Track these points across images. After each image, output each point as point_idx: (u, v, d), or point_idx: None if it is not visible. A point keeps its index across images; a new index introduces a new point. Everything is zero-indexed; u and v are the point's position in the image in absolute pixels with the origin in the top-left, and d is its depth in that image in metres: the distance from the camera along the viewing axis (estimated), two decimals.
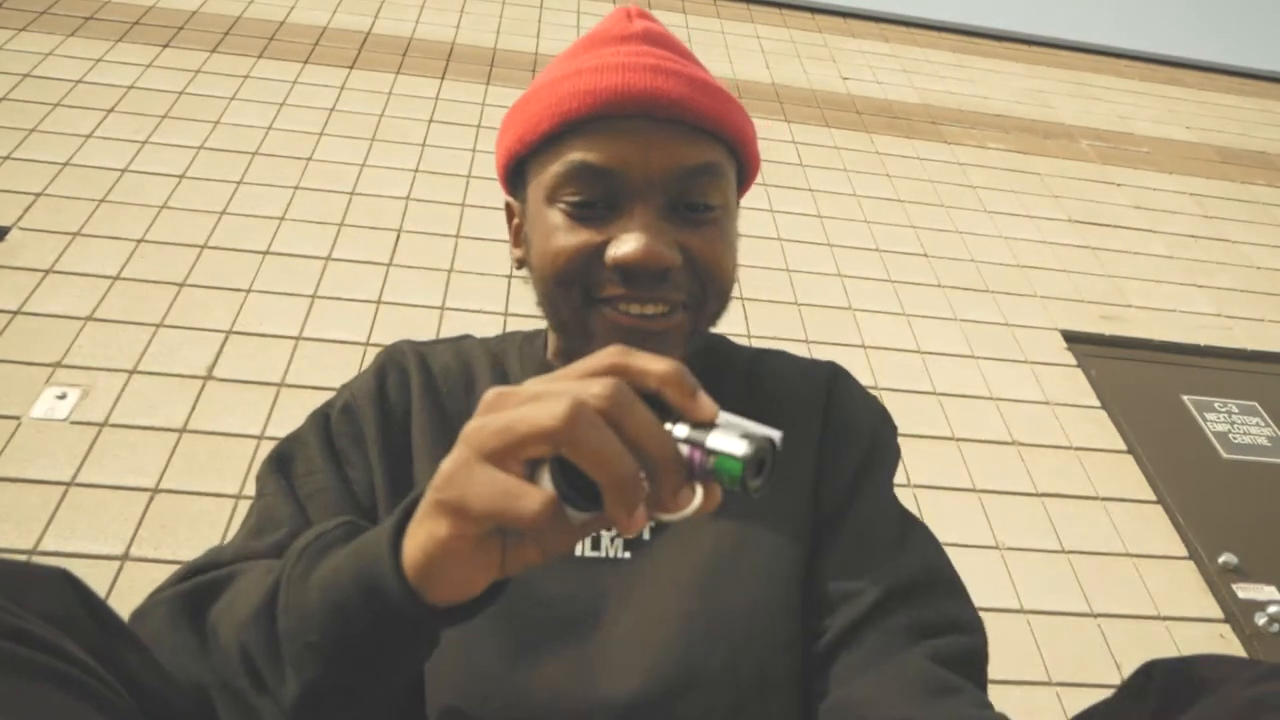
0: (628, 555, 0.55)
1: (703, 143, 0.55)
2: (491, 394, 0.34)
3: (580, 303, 0.55)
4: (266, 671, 0.39)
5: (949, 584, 0.57)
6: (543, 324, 0.66)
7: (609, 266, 0.53)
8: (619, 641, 0.52)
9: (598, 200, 0.53)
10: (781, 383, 0.65)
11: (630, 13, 0.62)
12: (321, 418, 0.60)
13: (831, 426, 0.62)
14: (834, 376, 0.66)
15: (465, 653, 0.52)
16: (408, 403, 0.61)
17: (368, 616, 0.36)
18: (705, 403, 0.33)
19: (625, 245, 0.52)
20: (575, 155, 0.53)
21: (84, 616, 0.36)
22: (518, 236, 0.62)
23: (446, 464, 0.33)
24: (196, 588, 0.45)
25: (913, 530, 0.59)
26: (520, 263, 0.62)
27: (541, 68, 3.49)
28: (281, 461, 0.58)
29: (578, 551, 0.55)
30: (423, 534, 0.34)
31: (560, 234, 0.54)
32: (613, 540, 0.56)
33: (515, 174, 0.61)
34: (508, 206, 0.64)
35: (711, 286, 0.56)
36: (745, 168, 0.62)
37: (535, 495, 0.31)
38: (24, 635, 0.32)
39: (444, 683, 0.52)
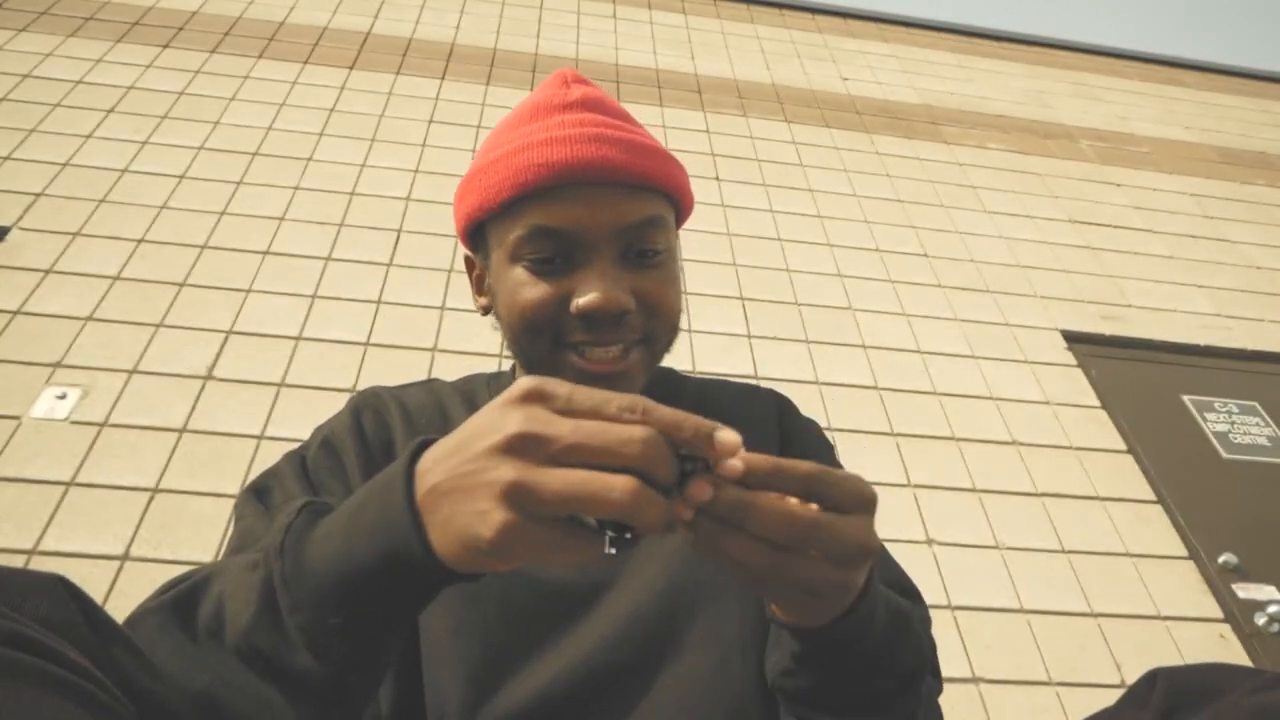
0: (613, 551, 0.59)
1: (645, 198, 0.62)
2: (514, 434, 0.34)
3: (549, 348, 0.61)
4: (286, 663, 0.40)
5: (907, 592, 0.64)
6: (503, 367, 0.74)
7: (573, 315, 0.59)
8: (613, 615, 0.58)
9: (556, 257, 0.59)
10: (734, 405, 0.74)
11: (567, 78, 0.67)
12: (297, 457, 0.64)
13: (788, 445, 0.70)
14: (782, 402, 0.75)
15: (475, 643, 0.56)
16: (388, 435, 0.65)
17: (393, 589, 0.39)
18: (721, 445, 0.36)
19: (587, 295, 0.58)
20: (534, 220, 0.59)
21: (80, 622, 0.36)
22: (480, 285, 0.69)
23: (496, 519, 0.34)
24: (179, 595, 0.45)
25: None
26: (485, 310, 0.68)
27: (541, 68, 3.50)
28: (259, 491, 0.61)
29: None
30: (466, 556, 0.36)
31: (525, 289, 0.60)
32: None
33: (476, 234, 0.67)
34: (468, 260, 0.71)
35: (662, 323, 0.62)
36: (681, 211, 0.69)
37: (589, 548, 0.35)
38: (21, 640, 0.32)
39: (452, 669, 0.55)
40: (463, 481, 0.35)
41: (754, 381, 1.87)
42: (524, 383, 0.36)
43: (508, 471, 0.34)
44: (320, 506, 0.44)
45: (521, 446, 0.34)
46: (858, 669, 0.46)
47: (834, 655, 0.45)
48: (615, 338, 0.59)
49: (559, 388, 0.35)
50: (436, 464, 0.37)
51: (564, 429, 0.34)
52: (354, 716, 0.44)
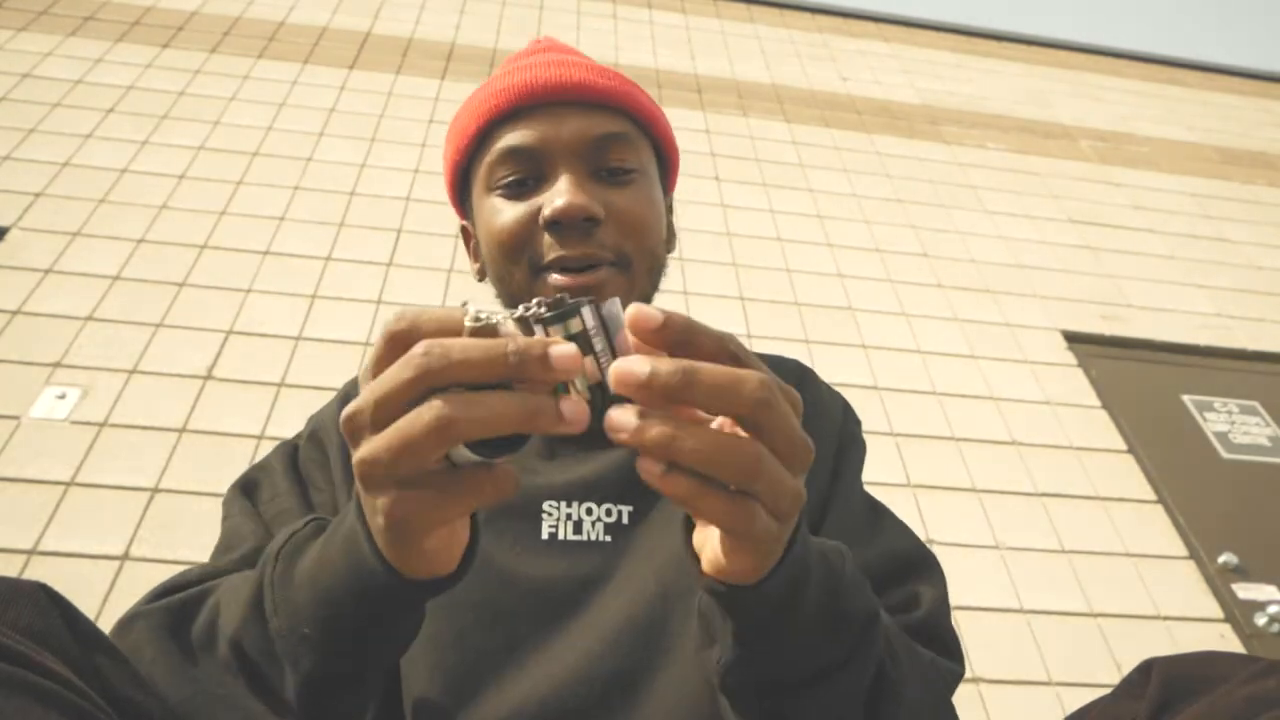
0: (609, 539, 0.57)
1: (609, 115, 0.63)
2: (359, 474, 0.32)
3: (528, 275, 0.60)
4: (267, 671, 0.40)
5: (914, 564, 0.61)
6: None
7: (543, 228, 0.58)
8: (601, 621, 0.54)
9: (527, 178, 0.60)
10: None
11: (539, 39, 0.71)
12: (290, 448, 0.64)
13: (806, 425, 0.65)
14: (803, 376, 0.70)
15: (450, 650, 0.53)
16: None
17: (356, 599, 0.37)
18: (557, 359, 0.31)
19: (553, 201, 0.57)
20: (501, 144, 0.61)
21: (62, 630, 0.36)
22: (476, 253, 0.68)
23: (381, 513, 0.33)
24: (172, 604, 0.45)
25: (881, 518, 0.64)
26: (480, 274, 0.68)
27: None
28: (247, 487, 0.61)
29: (560, 535, 0.57)
30: (413, 563, 0.36)
31: (500, 214, 0.61)
32: (594, 525, 0.58)
33: (462, 189, 0.68)
34: (463, 230, 0.70)
35: (637, 242, 0.60)
36: (661, 149, 0.68)
37: (486, 481, 0.32)
38: (2, 650, 0.32)
39: (426, 680, 0.53)
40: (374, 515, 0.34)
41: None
42: (342, 417, 0.33)
43: (383, 506, 0.32)
44: (325, 523, 0.43)
45: (368, 477, 0.32)
46: (804, 631, 0.40)
47: (773, 621, 0.39)
48: (586, 250, 0.58)
49: (354, 407, 0.32)
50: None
51: (376, 448, 0.31)
52: None
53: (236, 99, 2.91)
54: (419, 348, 0.30)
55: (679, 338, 0.32)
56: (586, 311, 0.32)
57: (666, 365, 0.30)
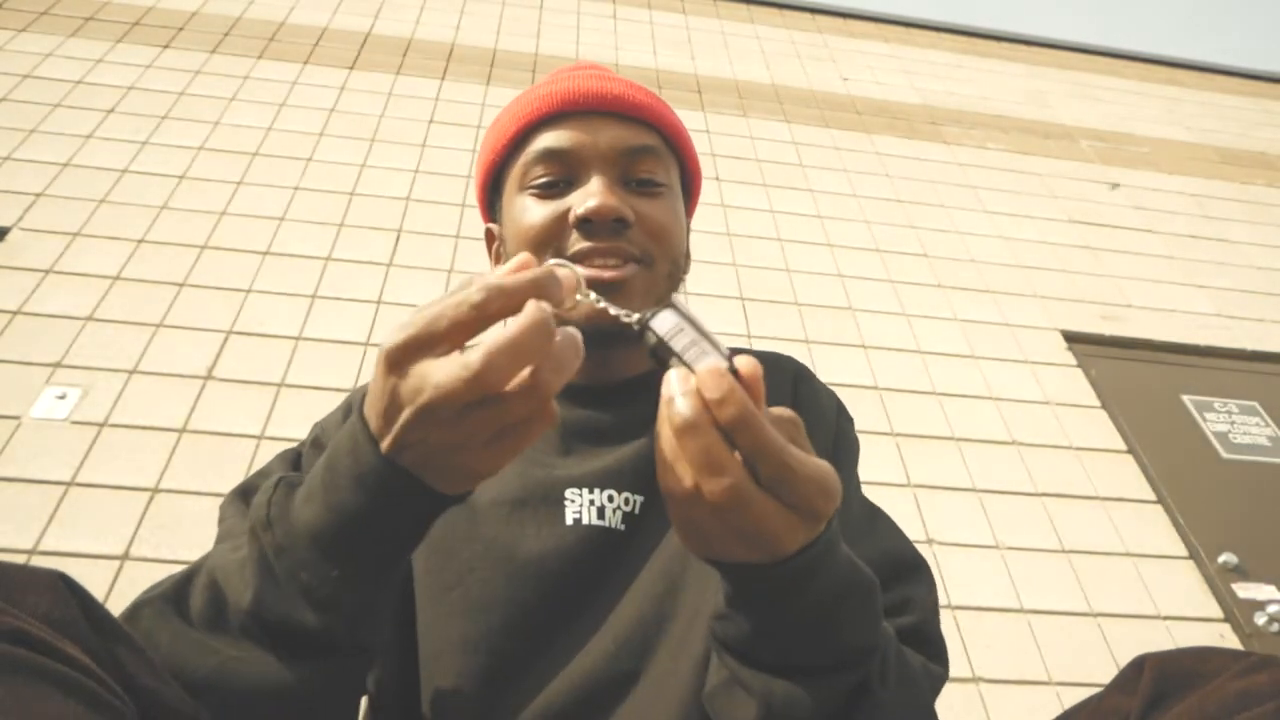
0: (623, 528, 0.59)
1: (643, 130, 0.65)
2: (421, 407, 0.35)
3: None
4: (295, 626, 0.41)
5: (906, 566, 0.61)
6: None
7: (573, 225, 0.60)
8: (614, 619, 0.56)
9: (559, 179, 0.63)
10: None
11: (581, 61, 0.74)
12: (292, 454, 0.64)
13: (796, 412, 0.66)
14: (798, 374, 0.72)
15: (478, 653, 0.54)
16: None
17: (386, 527, 0.40)
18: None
19: (585, 201, 0.59)
20: (539, 145, 0.63)
21: (81, 619, 0.36)
22: (499, 255, 0.70)
23: (477, 460, 0.37)
24: (167, 590, 0.45)
25: (876, 519, 0.66)
26: None
27: (541, 68, 3.51)
28: (245, 492, 0.60)
29: (585, 520, 0.58)
30: (461, 482, 0.39)
31: (530, 212, 0.62)
32: (614, 512, 0.59)
33: (493, 191, 0.70)
34: (488, 233, 0.72)
35: (661, 247, 0.63)
36: (685, 168, 0.71)
37: (545, 412, 0.37)
38: (23, 637, 0.32)
39: (453, 684, 0.54)
40: (424, 440, 0.36)
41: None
42: (386, 346, 0.36)
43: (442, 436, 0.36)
44: (294, 479, 0.45)
45: (438, 418, 0.35)
46: (794, 627, 0.42)
47: (763, 604, 0.42)
48: (613, 247, 0.60)
49: (417, 319, 0.36)
50: (381, 427, 0.38)
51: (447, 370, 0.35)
52: (356, 684, 0.45)
53: (237, 99, 2.91)
54: (479, 290, 0.35)
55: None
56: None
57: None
